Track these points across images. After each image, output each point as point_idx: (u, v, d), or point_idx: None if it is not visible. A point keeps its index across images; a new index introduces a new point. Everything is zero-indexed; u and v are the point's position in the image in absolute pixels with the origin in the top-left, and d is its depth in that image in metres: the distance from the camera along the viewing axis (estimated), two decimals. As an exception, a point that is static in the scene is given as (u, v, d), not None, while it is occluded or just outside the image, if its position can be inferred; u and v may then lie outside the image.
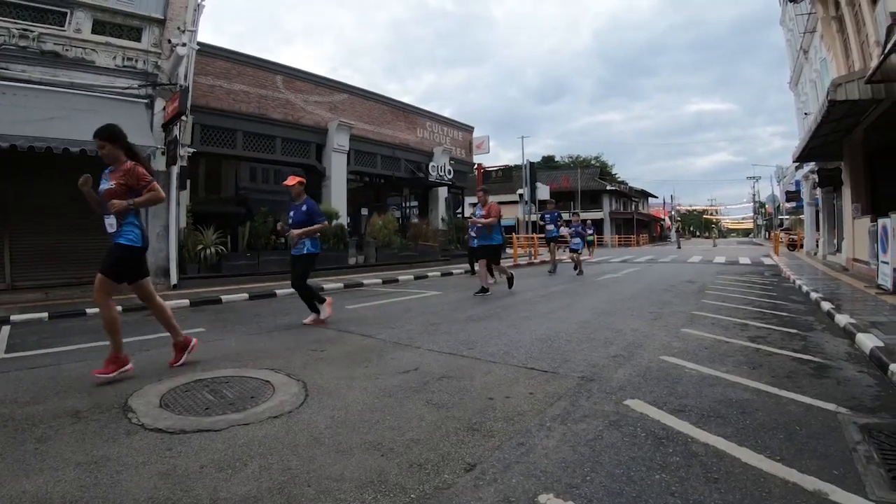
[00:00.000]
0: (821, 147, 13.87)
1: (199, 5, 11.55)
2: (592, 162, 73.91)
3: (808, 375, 4.00)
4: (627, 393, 3.52)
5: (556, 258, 15.37)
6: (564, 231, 16.26)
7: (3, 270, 9.89)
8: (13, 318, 7.51)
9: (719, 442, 2.70)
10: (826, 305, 7.21)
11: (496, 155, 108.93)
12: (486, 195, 10.09)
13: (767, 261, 20.15)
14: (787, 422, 2.99)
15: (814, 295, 8.44)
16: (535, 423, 2.99)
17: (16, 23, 9.67)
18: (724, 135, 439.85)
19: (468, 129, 25.43)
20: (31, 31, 9.76)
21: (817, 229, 22.69)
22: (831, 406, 3.24)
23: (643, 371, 4.09)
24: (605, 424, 2.96)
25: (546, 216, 14.98)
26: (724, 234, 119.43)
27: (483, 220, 9.69)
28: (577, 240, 15.19)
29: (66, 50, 10.20)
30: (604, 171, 67.15)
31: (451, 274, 15.10)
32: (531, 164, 24.32)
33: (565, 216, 24.97)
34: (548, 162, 75.00)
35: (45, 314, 7.82)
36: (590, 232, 19.81)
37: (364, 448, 2.68)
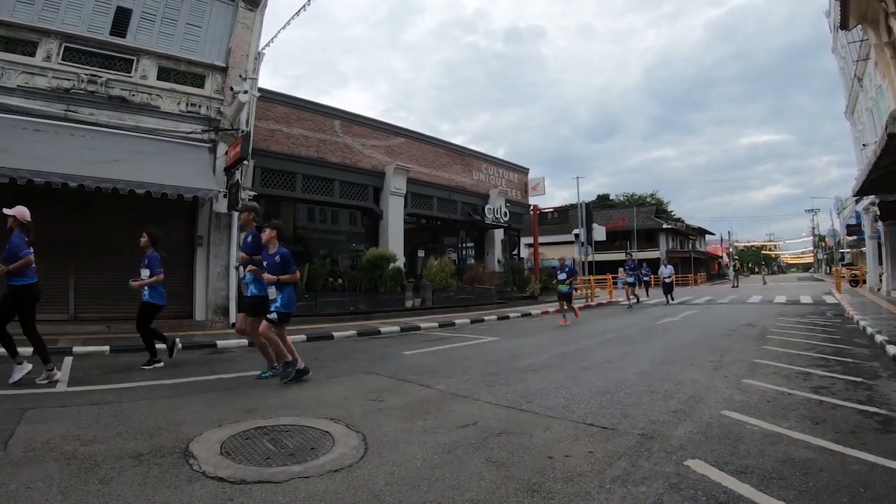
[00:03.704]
0: (881, 179, 13.39)
1: (259, 54, 12.02)
2: (648, 199, 72.86)
3: (873, 430, 3.88)
4: (688, 452, 3.43)
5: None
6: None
7: (68, 302, 10.27)
8: (76, 349, 7.78)
9: (781, 507, 2.63)
10: (892, 350, 6.97)
11: (551, 194, 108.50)
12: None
13: (829, 299, 19.42)
14: (851, 483, 2.90)
15: (878, 338, 8.14)
16: (595, 484, 2.94)
17: (85, 68, 10.24)
18: (779, 167, 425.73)
19: (523, 171, 25.38)
20: (100, 77, 10.30)
21: (880, 263, 21.77)
22: (896, 465, 3.14)
23: (704, 428, 3.98)
24: (665, 487, 2.88)
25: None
26: (784, 269, 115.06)
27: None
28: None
29: (133, 95, 10.71)
30: (659, 209, 65.42)
31: (507, 318, 15.04)
32: (587, 204, 23.87)
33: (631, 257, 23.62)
34: (603, 200, 73.70)
35: (107, 347, 8.10)
36: (636, 273, 18.05)
37: (424, 508, 2.68)
